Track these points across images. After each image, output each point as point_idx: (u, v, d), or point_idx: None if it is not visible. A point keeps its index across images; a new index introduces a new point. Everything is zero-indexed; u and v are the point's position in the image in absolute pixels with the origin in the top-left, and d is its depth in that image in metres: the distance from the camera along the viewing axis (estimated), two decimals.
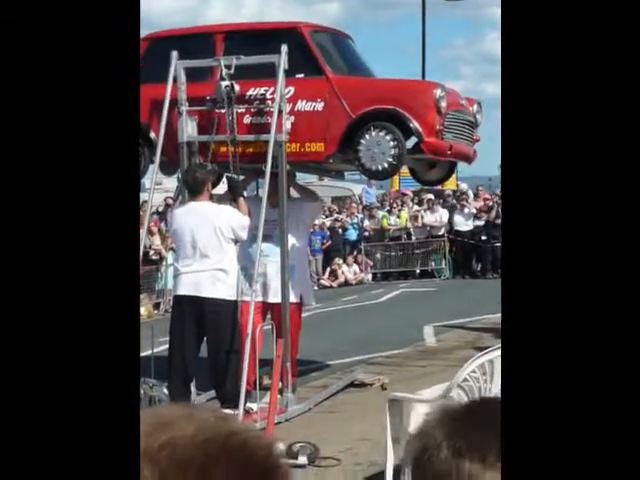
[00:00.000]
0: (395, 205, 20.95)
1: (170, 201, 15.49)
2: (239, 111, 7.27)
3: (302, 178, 11.94)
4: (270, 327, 7.14)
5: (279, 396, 7.01)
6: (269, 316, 7.50)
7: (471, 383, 4.61)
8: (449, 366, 8.08)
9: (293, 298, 7.43)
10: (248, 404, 6.69)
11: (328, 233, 19.93)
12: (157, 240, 15.08)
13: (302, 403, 7.30)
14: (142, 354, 8.45)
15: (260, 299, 7.29)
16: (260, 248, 6.99)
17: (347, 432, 6.43)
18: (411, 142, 7.32)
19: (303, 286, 7.70)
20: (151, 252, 14.56)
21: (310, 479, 5.69)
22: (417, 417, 4.86)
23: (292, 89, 7.25)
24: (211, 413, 0.87)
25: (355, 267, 19.72)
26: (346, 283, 19.15)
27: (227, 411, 5.34)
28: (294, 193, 8.14)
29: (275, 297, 7.29)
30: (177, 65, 7.27)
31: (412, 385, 7.03)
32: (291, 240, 7.40)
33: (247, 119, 7.37)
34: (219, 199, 7.36)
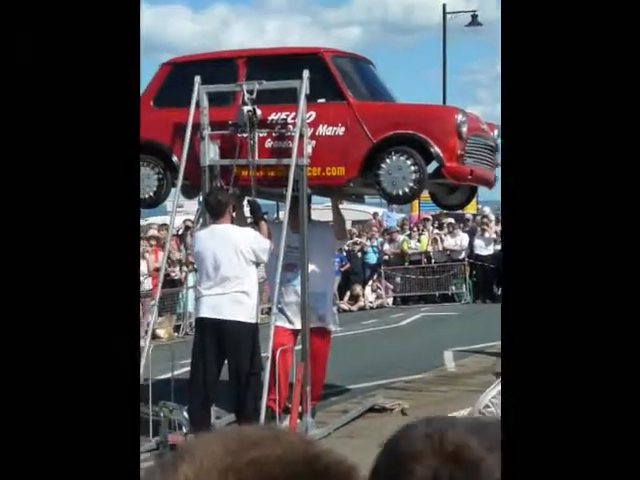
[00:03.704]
0: (415, 229, 20.94)
1: (189, 223, 15.57)
2: (261, 135, 7.32)
3: (322, 202, 11.96)
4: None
5: (299, 420, 7.00)
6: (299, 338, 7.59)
7: (493, 409, 4.59)
8: (470, 391, 8.03)
9: (329, 324, 7.62)
10: None
11: (346, 255, 19.90)
12: (177, 262, 15.12)
13: (322, 428, 7.28)
14: (162, 377, 8.45)
15: (298, 327, 7.41)
16: (287, 277, 7.13)
17: (367, 458, 6.39)
18: (432, 167, 7.33)
19: (332, 312, 7.88)
20: (172, 274, 14.61)
21: None
22: None
23: (313, 114, 7.29)
24: (297, 436, 0.89)
25: (375, 291, 19.69)
26: (366, 307, 19.11)
27: None
28: (315, 216, 8.18)
29: (313, 322, 7.39)
30: (200, 90, 7.33)
31: (433, 410, 7.00)
32: (318, 267, 7.46)
33: (269, 143, 7.41)
34: (237, 221, 7.41)
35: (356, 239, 20.31)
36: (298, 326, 7.44)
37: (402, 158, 7.10)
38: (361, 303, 19.21)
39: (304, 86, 7.05)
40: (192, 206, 14.80)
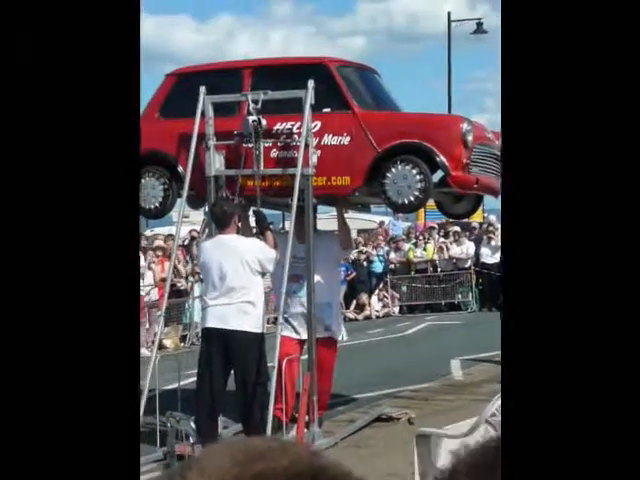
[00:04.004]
0: (421, 237, 20.94)
1: (195, 234, 15.60)
2: (266, 145, 7.33)
3: (327, 211, 11.97)
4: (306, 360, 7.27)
5: (306, 430, 6.99)
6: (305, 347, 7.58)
7: (499, 418, 4.57)
8: (477, 400, 8.01)
9: (335, 334, 7.63)
10: None
11: (352, 265, 19.90)
12: (183, 272, 15.13)
13: (328, 437, 7.28)
14: (169, 387, 8.43)
15: (304, 337, 7.41)
16: (292, 288, 7.14)
17: (374, 467, 6.38)
18: (437, 175, 7.33)
19: (338, 322, 7.87)
20: (178, 284, 14.62)
21: None
22: (445, 452, 4.82)
23: (319, 123, 7.29)
24: (303, 447, 0.89)
25: (382, 300, 19.67)
26: (372, 316, 19.10)
27: None
28: (320, 226, 8.19)
29: (320, 333, 7.39)
30: (205, 100, 7.35)
31: (439, 419, 6.98)
32: (323, 277, 7.46)
33: (274, 153, 7.42)
34: (243, 231, 7.41)
35: (362, 248, 20.31)
36: (304, 336, 7.44)
37: (407, 167, 7.11)
38: (367, 312, 19.19)
39: (309, 96, 7.06)
40: (198, 216, 14.82)
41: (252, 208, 7.53)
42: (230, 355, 6.82)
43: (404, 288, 20.03)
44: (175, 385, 7.55)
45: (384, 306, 19.67)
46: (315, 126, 7.27)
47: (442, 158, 7.09)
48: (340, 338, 7.95)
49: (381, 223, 22.91)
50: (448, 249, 20.18)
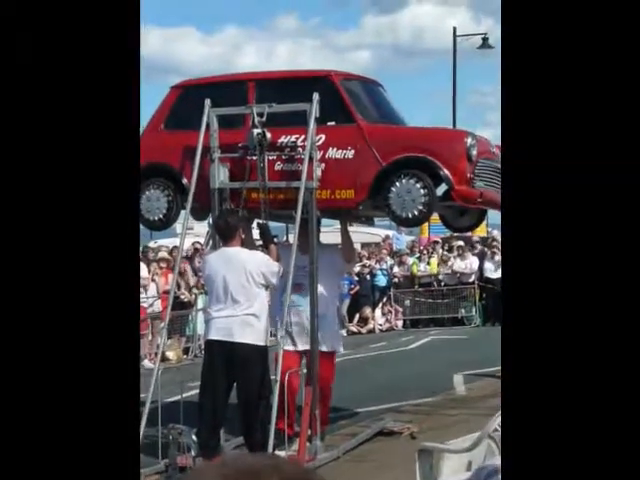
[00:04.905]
0: (425, 252, 20.92)
1: (198, 245, 15.60)
2: (270, 158, 7.33)
3: (331, 224, 11.96)
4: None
5: (308, 444, 6.96)
6: (304, 362, 7.52)
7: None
8: (479, 415, 7.98)
9: (329, 347, 7.50)
10: (276, 452, 6.65)
11: (356, 278, 19.89)
12: (186, 284, 15.13)
13: (331, 451, 7.25)
14: (171, 399, 8.42)
15: (301, 348, 7.35)
16: (291, 298, 7.08)
17: None
18: (441, 189, 7.33)
19: (335, 334, 7.78)
20: (182, 296, 14.61)
21: None
22: (447, 467, 4.79)
23: (323, 136, 7.30)
24: (296, 465, 0.88)
25: (386, 314, 19.64)
26: (375, 330, 19.06)
27: None
28: (324, 239, 8.17)
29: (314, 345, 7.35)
30: (210, 113, 7.36)
31: (442, 434, 6.95)
32: (322, 288, 7.43)
33: (278, 166, 7.43)
34: (246, 244, 7.39)
35: (365, 262, 20.28)
36: (301, 347, 7.39)
37: (411, 181, 7.10)
38: (370, 326, 19.16)
39: (314, 109, 7.07)
40: (202, 228, 14.82)
41: (257, 221, 7.53)
42: (233, 368, 6.80)
43: (407, 302, 20.00)
44: (177, 397, 7.54)
45: (387, 320, 19.64)
46: (319, 139, 7.27)
47: (446, 172, 7.09)
48: (336, 350, 7.83)
49: (385, 237, 22.89)
50: (452, 263, 20.14)
